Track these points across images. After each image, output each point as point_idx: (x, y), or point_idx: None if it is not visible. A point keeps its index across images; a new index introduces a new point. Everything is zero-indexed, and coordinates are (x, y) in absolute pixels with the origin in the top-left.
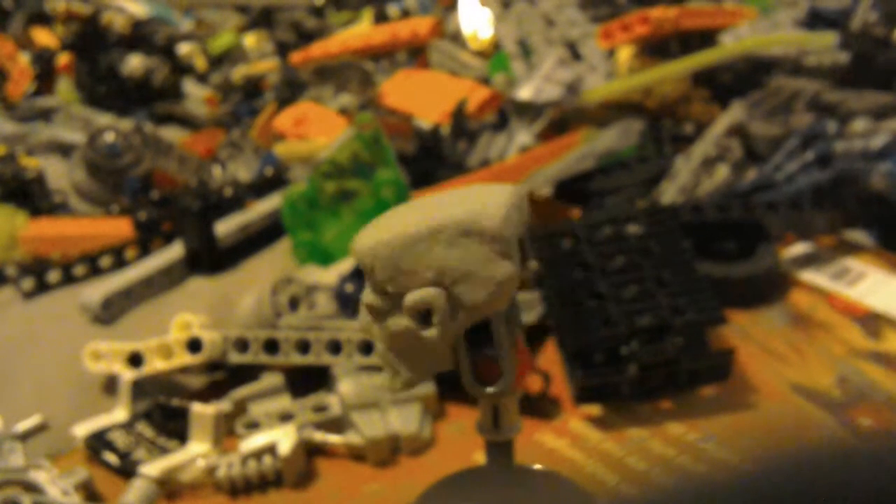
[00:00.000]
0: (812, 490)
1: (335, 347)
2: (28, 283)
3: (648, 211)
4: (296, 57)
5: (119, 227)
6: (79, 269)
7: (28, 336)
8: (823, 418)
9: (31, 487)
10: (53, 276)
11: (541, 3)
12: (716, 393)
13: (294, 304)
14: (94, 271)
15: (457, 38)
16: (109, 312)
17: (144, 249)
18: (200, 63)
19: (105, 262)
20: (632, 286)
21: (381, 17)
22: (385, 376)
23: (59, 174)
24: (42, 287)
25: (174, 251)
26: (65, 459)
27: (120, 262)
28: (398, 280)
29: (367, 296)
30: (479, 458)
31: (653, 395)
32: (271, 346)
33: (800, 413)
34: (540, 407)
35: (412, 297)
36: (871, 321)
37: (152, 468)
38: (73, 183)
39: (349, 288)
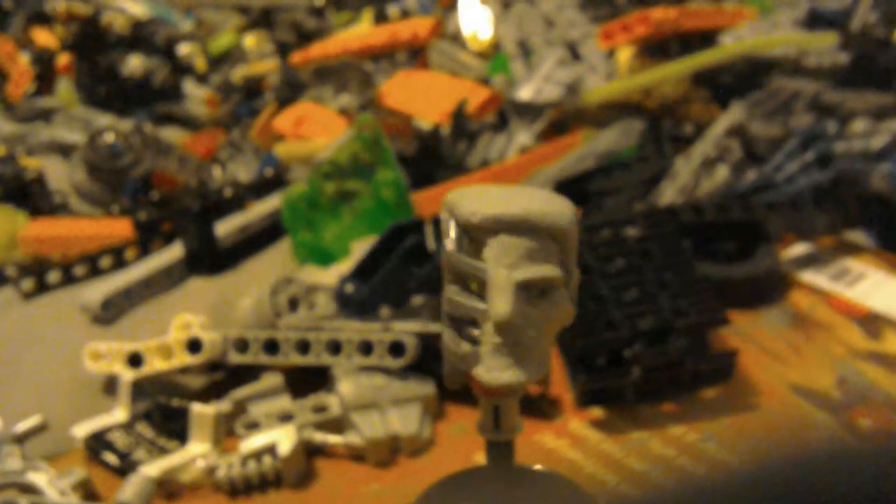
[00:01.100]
0: (812, 491)
1: (335, 348)
2: (28, 284)
3: (647, 213)
4: (296, 57)
5: (119, 228)
6: (79, 270)
7: (28, 336)
8: (823, 419)
9: (29, 489)
10: (53, 276)
11: (541, 4)
12: (715, 394)
13: (294, 304)
14: (94, 272)
15: (457, 38)
16: (109, 313)
17: (144, 250)
18: (200, 63)
19: (105, 262)
20: (632, 289)
21: (380, 18)
22: (512, 372)
23: (60, 175)
24: (42, 287)
25: (174, 252)
26: (64, 460)
27: (120, 263)
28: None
29: (552, 269)
30: (480, 458)
31: (655, 398)
32: (271, 347)
33: (800, 414)
34: (540, 407)
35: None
36: (871, 322)
37: (152, 468)
38: (74, 183)
39: (349, 288)
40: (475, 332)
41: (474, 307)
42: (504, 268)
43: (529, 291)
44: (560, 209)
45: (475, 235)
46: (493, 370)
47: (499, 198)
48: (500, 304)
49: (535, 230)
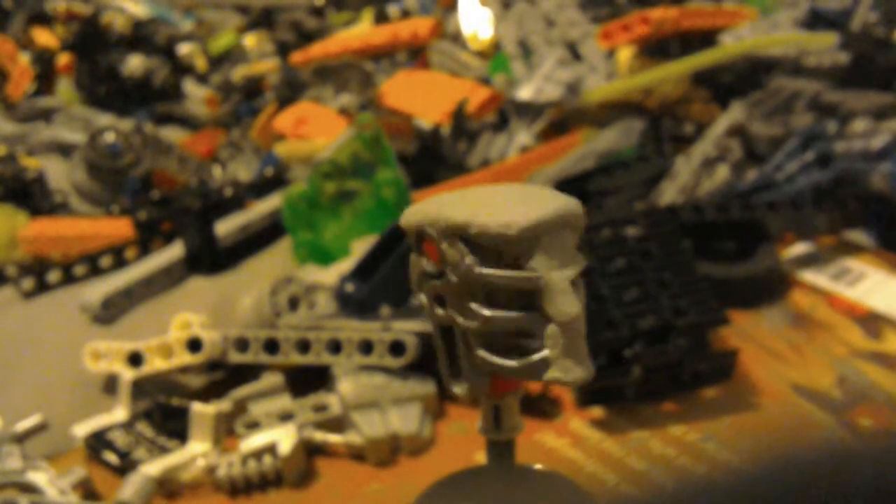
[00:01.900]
0: (811, 491)
1: (335, 347)
2: (28, 283)
3: (647, 213)
4: (296, 57)
5: (119, 227)
6: (79, 269)
7: (28, 336)
8: (823, 419)
9: (29, 488)
10: (53, 275)
11: (541, 4)
12: (716, 393)
13: (294, 303)
14: (95, 271)
15: (457, 38)
16: (109, 312)
17: (144, 249)
18: (201, 63)
19: (105, 261)
20: (633, 288)
21: (381, 18)
22: (574, 370)
23: (60, 174)
24: (42, 287)
25: (174, 251)
26: (65, 459)
27: (120, 262)
28: None
29: (583, 259)
30: (480, 457)
31: (656, 397)
32: (271, 346)
33: (800, 413)
34: (540, 407)
35: None
36: (872, 321)
37: (152, 467)
38: (74, 183)
39: (349, 287)
40: (526, 342)
41: (527, 318)
42: (556, 270)
43: (573, 286)
44: (569, 199)
45: (508, 248)
46: (570, 371)
47: (509, 202)
48: (569, 306)
49: (568, 226)
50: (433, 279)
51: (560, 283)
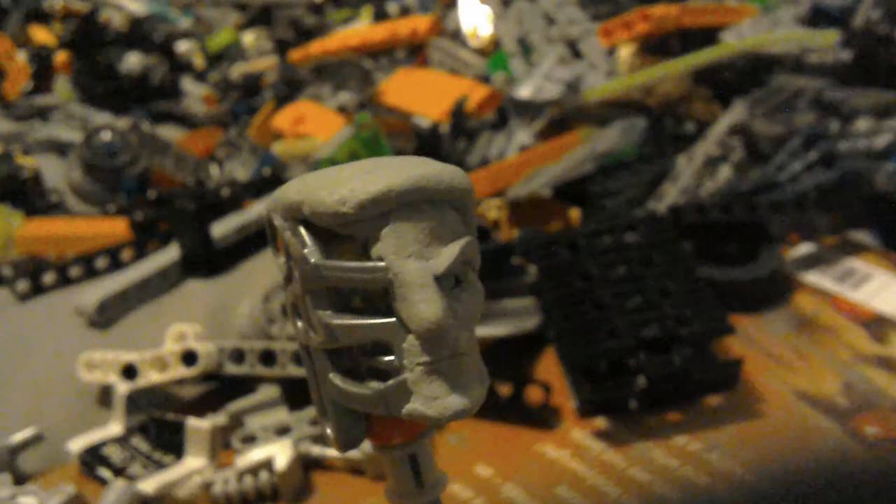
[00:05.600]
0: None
1: None
2: (23, 285)
3: (647, 220)
4: (295, 55)
5: (115, 227)
6: (74, 271)
7: (22, 342)
8: (829, 427)
9: None
10: (49, 277)
11: (541, 1)
12: (720, 401)
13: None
14: (90, 273)
15: (456, 35)
16: (105, 316)
17: (141, 250)
18: (199, 61)
19: (101, 263)
20: (635, 296)
21: (380, 15)
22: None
23: (56, 173)
24: (37, 289)
25: (170, 253)
26: (60, 472)
27: (116, 264)
28: None
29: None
30: (481, 471)
31: (659, 407)
32: (268, 358)
33: (805, 422)
34: (541, 416)
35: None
36: (877, 325)
37: (148, 484)
38: (70, 182)
39: None
40: (385, 359)
41: (381, 326)
42: (412, 259)
43: (444, 283)
44: (445, 168)
45: (352, 230)
46: (436, 399)
47: (360, 174)
48: (427, 307)
49: (433, 200)
50: (287, 283)
51: (415, 276)
